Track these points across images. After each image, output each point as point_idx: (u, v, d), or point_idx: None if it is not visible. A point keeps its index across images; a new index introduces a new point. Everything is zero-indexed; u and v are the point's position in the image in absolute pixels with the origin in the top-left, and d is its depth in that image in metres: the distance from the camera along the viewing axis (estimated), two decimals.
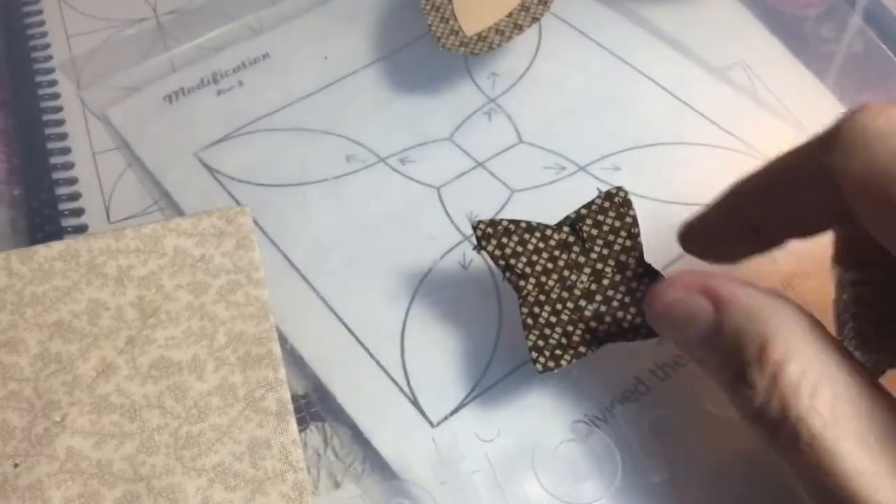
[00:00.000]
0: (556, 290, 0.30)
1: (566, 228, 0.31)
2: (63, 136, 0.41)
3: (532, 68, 0.42)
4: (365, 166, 0.39)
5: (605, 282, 0.30)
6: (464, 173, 0.38)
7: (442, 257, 0.35)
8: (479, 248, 0.31)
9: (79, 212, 0.39)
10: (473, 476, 0.29)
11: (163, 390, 0.29)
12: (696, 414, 0.31)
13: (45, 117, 0.42)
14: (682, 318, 0.26)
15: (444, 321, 0.34)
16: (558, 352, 0.30)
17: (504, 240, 0.31)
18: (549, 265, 0.31)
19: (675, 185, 0.37)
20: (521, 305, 0.30)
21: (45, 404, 0.28)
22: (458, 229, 0.36)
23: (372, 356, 0.33)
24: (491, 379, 0.32)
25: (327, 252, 0.36)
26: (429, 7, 0.40)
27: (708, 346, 0.25)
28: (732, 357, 0.24)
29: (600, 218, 0.31)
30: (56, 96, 0.43)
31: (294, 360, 0.33)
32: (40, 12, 0.47)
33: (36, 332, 0.30)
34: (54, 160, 0.40)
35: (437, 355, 0.33)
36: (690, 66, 0.41)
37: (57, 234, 0.38)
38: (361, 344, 0.33)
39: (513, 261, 0.31)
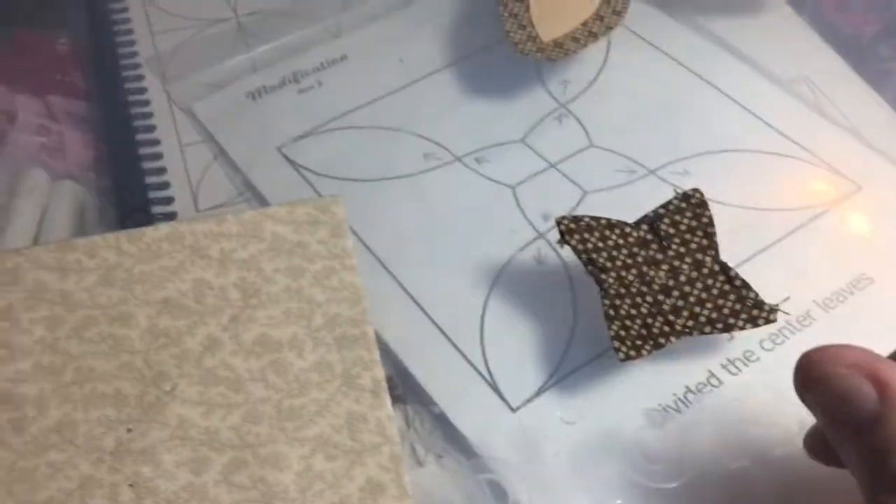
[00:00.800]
0: (636, 284, 0.32)
1: (644, 227, 0.33)
2: (151, 128, 0.43)
3: (601, 76, 0.44)
4: (442, 164, 0.41)
5: (682, 278, 0.32)
6: (537, 174, 0.40)
7: (518, 252, 0.37)
8: (562, 242, 0.32)
9: (168, 200, 0.40)
10: (554, 456, 0.31)
11: (265, 365, 0.31)
12: (768, 405, 0.32)
13: (133, 110, 0.44)
14: (838, 396, 0.24)
15: (522, 312, 0.35)
16: (639, 342, 0.31)
17: (586, 235, 0.32)
18: (629, 261, 0.32)
19: (744, 191, 0.38)
20: (604, 298, 0.32)
21: (155, 375, 0.30)
22: (533, 226, 0.38)
23: (452, 343, 0.35)
24: (568, 367, 0.33)
25: (408, 244, 0.38)
26: (506, 14, 0.42)
27: (858, 435, 0.24)
28: (883, 456, 0.23)
29: (677, 218, 0.33)
30: (143, 90, 0.45)
31: (378, 345, 0.34)
32: (125, 10, 0.49)
33: (145, 308, 0.31)
34: (143, 150, 0.42)
35: (516, 344, 0.34)
36: (756, 77, 0.43)
37: (147, 220, 0.40)
38: (442, 331, 0.35)
39: (594, 255, 0.32)
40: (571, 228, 0.33)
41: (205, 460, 0.28)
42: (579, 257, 0.32)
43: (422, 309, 0.36)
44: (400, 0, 0.48)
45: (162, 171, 0.42)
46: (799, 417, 0.31)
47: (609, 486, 0.31)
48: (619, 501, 0.30)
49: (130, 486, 0.28)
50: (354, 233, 0.38)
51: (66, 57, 0.48)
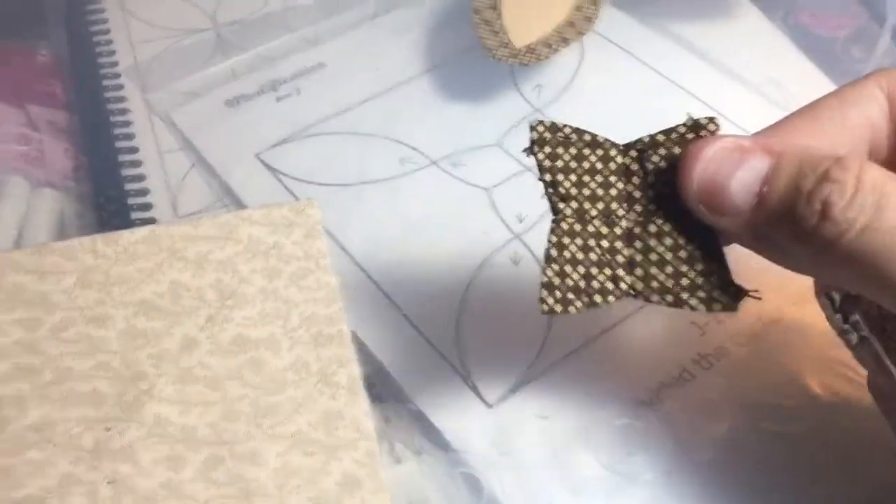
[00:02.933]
0: (596, 222, 0.27)
1: (633, 153, 0.27)
2: (130, 136, 0.44)
3: (575, 81, 0.44)
4: (418, 168, 0.41)
5: (653, 228, 0.26)
6: (512, 176, 0.41)
7: (494, 253, 0.38)
8: (529, 151, 0.27)
9: (147, 206, 0.41)
10: (530, 450, 0.31)
11: (242, 364, 0.31)
12: (738, 399, 0.32)
13: (113, 118, 0.45)
14: (729, 167, 0.24)
15: (497, 311, 0.36)
16: (570, 295, 0.26)
17: (559, 150, 0.27)
18: (600, 191, 0.27)
19: None
20: (551, 232, 0.26)
21: (132, 375, 0.30)
22: (508, 227, 0.39)
23: (429, 342, 0.35)
24: (543, 364, 0.34)
25: (384, 246, 0.38)
26: (479, 21, 0.42)
27: (767, 188, 0.24)
28: (808, 175, 0.23)
29: (676, 150, 0.26)
30: (122, 99, 0.46)
31: (356, 345, 0.35)
32: (105, 21, 0.49)
33: (122, 309, 0.32)
34: (122, 158, 0.43)
35: (492, 342, 0.35)
36: (725, 80, 0.44)
37: (126, 227, 0.40)
38: (419, 331, 0.35)
39: (560, 176, 0.27)
40: (545, 139, 0.27)
41: (182, 458, 0.29)
42: (541, 175, 0.27)
43: (399, 309, 0.36)
44: (376, 9, 0.49)
45: (141, 177, 0.42)
46: (768, 409, 0.32)
47: (585, 478, 0.31)
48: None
49: (109, 483, 0.28)
50: (333, 237, 0.38)
51: (46, 67, 0.49)
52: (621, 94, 0.43)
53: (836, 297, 0.27)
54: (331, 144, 0.43)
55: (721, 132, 0.26)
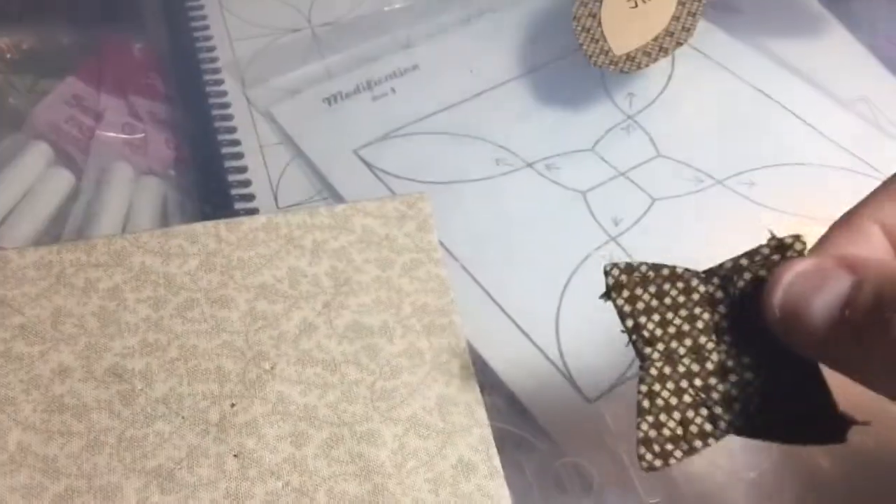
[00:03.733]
0: (686, 360, 0.25)
1: (716, 280, 0.25)
2: (232, 130, 0.45)
3: (666, 91, 0.45)
4: (514, 169, 0.42)
5: (746, 359, 0.25)
6: (607, 181, 0.41)
7: (590, 255, 0.39)
8: (607, 297, 0.26)
9: (249, 197, 0.42)
10: (627, 445, 0.32)
11: (358, 349, 0.32)
12: None
13: (214, 112, 0.46)
14: (811, 288, 0.23)
15: (595, 309, 0.36)
16: (669, 446, 0.25)
17: (638, 290, 0.26)
18: (686, 326, 0.25)
19: (809, 203, 0.39)
20: (640, 381, 0.25)
21: (255, 354, 0.32)
22: (604, 230, 0.39)
23: (529, 339, 0.36)
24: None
25: (483, 244, 0.39)
26: (579, 28, 0.43)
27: (848, 307, 0.22)
28: (890, 300, 0.21)
29: (762, 273, 0.24)
30: (223, 94, 0.47)
31: None
32: (204, 17, 0.51)
33: (244, 292, 0.33)
34: (225, 150, 0.44)
35: (591, 339, 0.36)
36: (818, 95, 0.44)
37: (228, 216, 0.41)
38: (519, 328, 0.36)
39: (643, 318, 0.26)
40: (621, 283, 0.26)
41: (304, 435, 0.30)
42: (622, 322, 0.26)
43: (499, 306, 0.37)
44: (469, 13, 0.50)
45: (243, 169, 0.43)
46: None
47: (683, 473, 0.32)
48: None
49: (235, 456, 0.29)
50: None
51: (145, 60, 0.50)
52: (712, 104, 0.44)
53: None
54: (427, 143, 0.44)
55: (807, 249, 0.25)
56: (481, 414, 0.31)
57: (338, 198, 0.42)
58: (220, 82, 0.47)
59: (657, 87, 0.45)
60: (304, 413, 0.30)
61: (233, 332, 0.32)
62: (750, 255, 0.25)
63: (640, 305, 0.26)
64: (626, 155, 0.42)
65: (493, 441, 0.30)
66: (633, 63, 0.42)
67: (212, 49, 0.49)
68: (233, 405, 0.30)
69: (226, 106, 0.46)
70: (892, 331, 0.21)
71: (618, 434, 0.33)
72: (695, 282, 0.25)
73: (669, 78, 0.46)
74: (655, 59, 0.42)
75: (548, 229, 0.40)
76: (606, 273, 0.26)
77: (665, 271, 0.26)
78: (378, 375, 0.31)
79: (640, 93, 0.45)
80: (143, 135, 0.46)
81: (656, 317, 0.25)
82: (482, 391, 0.35)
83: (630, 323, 0.26)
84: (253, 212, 0.42)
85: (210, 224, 0.34)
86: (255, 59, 0.48)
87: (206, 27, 0.50)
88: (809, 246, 0.25)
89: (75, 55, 0.49)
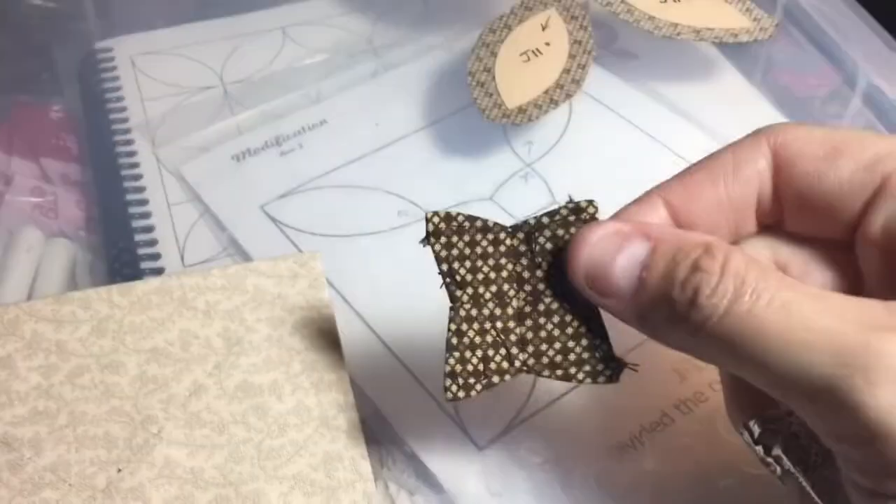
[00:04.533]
0: (490, 304, 0.29)
1: (521, 235, 0.29)
2: (141, 189, 0.46)
3: (564, 137, 0.47)
4: (415, 220, 0.43)
5: (541, 306, 0.29)
6: None
7: None
8: (426, 242, 0.29)
9: (156, 256, 0.43)
10: (518, 492, 0.33)
11: (247, 409, 0.33)
12: (715, 442, 0.34)
13: (124, 172, 0.47)
14: (612, 252, 0.26)
15: None
16: (472, 380, 0.28)
17: (454, 238, 0.29)
18: (492, 274, 0.29)
19: None
20: (450, 321, 0.29)
21: (143, 419, 0.32)
22: None
23: (424, 387, 0.37)
24: (532, 408, 0.36)
25: (382, 295, 0.40)
26: (474, 83, 0.45)
27: (646, 273, 0.26)
28: (680, 263, 0.25)
29: (560, 232, 0.28)
30: (133, 154, 0.48)
31: (353, 388, 0.37)
32: (117, 78, 0.52)
33: (135, 356, 0.34)
34: (133, 210, 0.45)
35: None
36: (705, 138, 0.46)
37: (136, 276, 0.42)
38: (414, 376, 0.37)
39: (456, 264, 0.29)
40: (440, 229, 0.28)
41: (190, 497, 0.31)
42: (438, 266, 0.29)
43: (395, 355, 0.38)
44: (376, 68, 0.52)
45: (150, 228, 0.44)
46: (746, 452, 0.33)
47: None
48: None
49: None
50: (332, 285, 0.40)
51: (60, 123, 0.51)
52: (607, 150, 0.46)
53: (755, 428, 0.28)
54: (332, 197, 0.45)
55: (600, 214, 0.28)
56: (365, 468, 0.32)
57: (244, 254, 0.43)
58: (130, 142, 0.48)
59: (555, 135, 0.47)
60: (191, 475, 0.31)
61: (122, 398, 0.33)
62: (550, 214, 0.28)
63: (455, 252, 0.28)
64: (524, 202, 0.44)
65: (375, 495, 0.31)
66: (525, 115, 0.43)
67: (123, 109, 0.50)
68: (119, 470, 0.31)
69: (135, 166, 0.47)
70: (687, 291, 0.25)
71: (505, 481, 0.34)
72: (502, 235, 0.29)
73: (566, 125, 0.47)
74: (546, 111, 0.43)
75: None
76: (427, 220, 0.28)
77: (479, 223, 0.29)
78: (266, 434, 0.32)
79: (539, 140, 0.47)
80: (53, 197, 0.47)
81: (468, 263, 0.28)
82: (379, 444, 0.36)
83: (445, 267, 0.29)
84: (159, 271, 0.42)
85: (103, 289, 0.35)
86: (166, 119, 0.49)
87: (118, 88, 0.51)
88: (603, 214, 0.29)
89: None
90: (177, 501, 0.30)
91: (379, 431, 0.36)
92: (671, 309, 0.25)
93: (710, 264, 0.25)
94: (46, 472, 0.31)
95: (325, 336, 0.35)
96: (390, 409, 0.36)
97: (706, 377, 0.36)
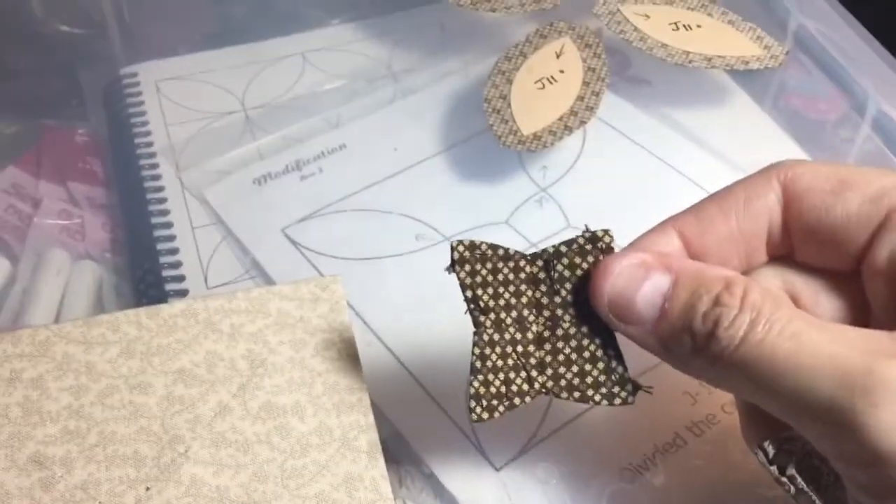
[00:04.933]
0: (511, 329, 0.30)
1: (540, 262, 0.30)
2: (165, 213, 0.47)
3: (578, 163, 0.48)
4: (433, 244, 0.44)
5: (560, 331, 0.30)
6: None
7: None
8: (451, 269, 0.30)
9: (180, 278, 0.44)
10: None
11: (270, 429, 0.34)
12: (728, 464, 0.35)
13: (149, 196, 0.48)
14: (635, 282, 0.28)
15: None
16: (495, 401, 0.29)
17: (478, 266, 0.30)
18: (513, 300, 0.30)
19: None
20: (474, 345, 0.30)
21: (170, 438, 0.33)
22: None
23: (442, 408, 0.38)
24: (547, 429, 0.37)
25: (401, 317, 0.41)
26: (490, 110, 0.46)
27: (669, 304, 0.27)
28: (702, 297, 0.27)
29: (577, 260, 0.30)
30: (158, 177, 0.49)
31: (374, 411, 0.38)
32: (142, 104, 0.53)
33: (162, 377, 0.35)
34: (158, 233, 0.46)
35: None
36: (717, 163, 0.47)
37: (161, 297, 0.43)
38: (432, 397, 0.38)
39: (479, 291, 0.30)
40: (465, 257, 0.30)
41: None
42: (463, 292, 0.30)
43: (413, 377, 0.39)
44: (395, 94, 0.53)
45: (175, 251, 0.45)
46: (758, 474, 0.34)
47: None
48: None
49: None
50: (351, 307, 0.41)
51: (86, 146, 0.52)
52: (620, 175, 0.47)
53: (770, 449, 0.29)
54: (351, 220, 0.46)
55: (614, 240, 0.30)
56: (385, 488, 0.33)
57: (265, 277, 0.44)
58: (155, 166, 0.50)
59: (570, 160, 0.48)
60: (217, 494, 0.32)
61: (150, 417, 0.34)
62: (568, 243, 0.30)
63: (478, 279, 0.30)
64: (539, 226, 0.45)
65: None
66: (539, 142, 0.44)
67: (148, 134, 0.52)
68: (147, 489, 0.32)
69: (160, 189, 0.48)
70: (708, 323, 0.26)
71: (521, 501, 0.35)
72: (522, 263, 0.30)
73: (581, 151, 0.48)
74: (560, 138, 0.44)
75: (462, 302, 0.41)
76: (452, 248, 0.30)
77: (500, 251, 0.30)
78: (289, 454, 0.33)
79: (554, 165, 0.48)
80: (79, 220, 0.48)
81: (490, 290, 0.30)
82: (398, 464, 0.37)
83: (469, 294, 0.30)
84: (183, 293, 0.43)
85: (131, 312, 0.36)
86: (190, 143, 0.51)
87: (143, 112, 0.53)
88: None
89: (16, 144, 0.51)
90: None
91: (398, 452, 0.37)
92: (692, 339, 0.27)
93: (730, 300, 0.26)
94: (77, 490, 0.32)
95: (346, 358, 0.36)
96: (409, 430, 0.37)
97: (718, 400, 0.37)
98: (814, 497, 0.28)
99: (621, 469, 0.35)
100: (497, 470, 0.36)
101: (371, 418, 0.34)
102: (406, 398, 0.38)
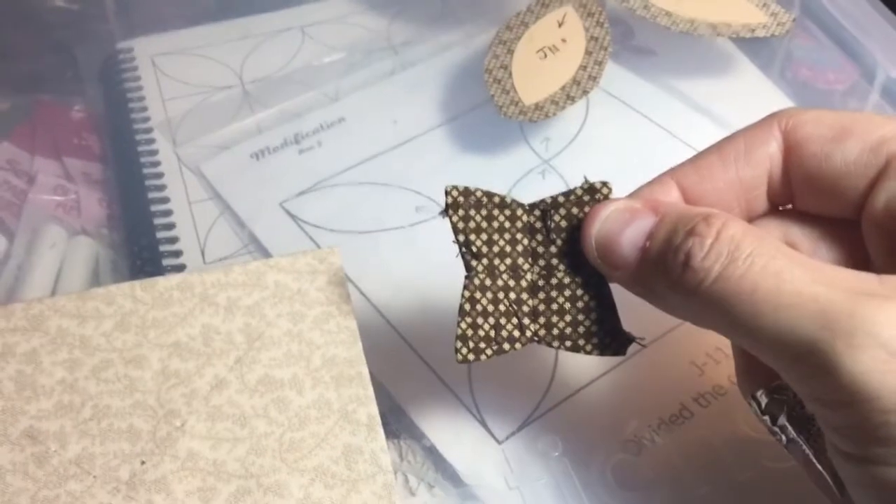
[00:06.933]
0: (504, 276, 0.30)
1: (537, 212, 0.30)
2: (162, 188, 0.46)
3: (581, 134, 0.47)
4: (433, 216, 0.44)
5: (554, 280, 0.30)
6: None
7: None
8: (444, 213, 0.30)
9: (177, 253, 0.43)
10: (537, 484, 0.33)
11: (268, 403, 0.33)
12: (734, 435, 0.34)
13: (145, 171, 0.47)
14: (620, 225, 0.28)
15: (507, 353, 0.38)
16: (482, 344, 0.29)
17: (472, 212, 0.30)
18: (508, 248, 0.30)
19: None
20: (464, 288, 0.29)
21: (166, 412, 0.33)
22: None
23: (442, 381, 0.37)
24: (550, 402, 0.36)
25: (401, 290, 0.41)
26: (491, 80, 0.45)
27: (649, 242, 0.27)
28: (679, 231, 0.26)
29: (574, 210, 0.29)
30: (154, 152, 0.48)
31: (374, 384, 0.37)
32: (139, 79, 0.52)
33: (157, 351, 0.34)
34: (154, 208, 0.46)
35: (501, 381, 0.37)
36: (722, 132, 0.46)
37: (158, 272, 0.43)
38: (433, 370, 0.38)
39: (473, 236, 0.30)
40: (458, 202, 0.30)
41: (213, 489, 0.31)
42: (455, 236, 0.30)
43: (414, 350, 0.38)
44: (394, 67, 0.52)
45: (171, 226, 0.45)
46: (764, 446, 0.34)
47: None
48: None
49: None
50: (351, 280, 0.41)
51: (82, 122, 0.52)
52: (624, 145, 0.46)
53: (762, 398, 0.29)
54: (350, 194, 0.45)
55: (613, 195, 0.29)
56: (385, 461, 0.32)
57: (263, 251, 0.43)
58: (151, 141, 0.49)
59: (572, 131, 0.47)
60: (214, 467, 0.31)
61: (145, 391, 0.33)
62: (566, 194, 0.30)
63: (472, 224, 0.30)
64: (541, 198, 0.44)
65: (394, 487, 0.31)
66: (542, 112, 0.43)
67: (144, 109, 0.51)
68: (143, 463, 0.31)
69: (156, 164, 0.48)
70: (680, 255, 0.26)
71: (523, 474, 0.34)
72: (519, 211, 0.30)
73: (584, 121, 0.47)
74: (563, 108, 0.43)
75: (462, 274, 0.41)
76: (447, 193, 0.29)
77: (496, 199, 0.30)
78: (287, 427, 0.33)
79: (556, 137, 0.47)
80: (75, 196, 0.47)
81: (484, 236, 0.30)
82: (398, 437, 0.36)
83: (462, 238, 0.30)
84: (180, 268, 0.43)
85: (126, 285, 0.36)
86: (187, 118, 0.50)
87: (140, 87, 0.52)
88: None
89: (10, 120, 0.50)
90: (200, 493, 0.31)
91: (398, 425, 0.36)
92: (667, 274, 0.26)
93: (705, 229, 0.26)
94: (71, 465, 0.31)
95: (345, 331, 0.35)
96: (409, 402, 0.37)
97: (725, 371, 0.36)
98: (804, 446, 0.28)
99: (625, 441, 0.35)
100: (499, 443, 0.35)
101: (370, 391, 0.34)
102: (406, 371, 0.37)
